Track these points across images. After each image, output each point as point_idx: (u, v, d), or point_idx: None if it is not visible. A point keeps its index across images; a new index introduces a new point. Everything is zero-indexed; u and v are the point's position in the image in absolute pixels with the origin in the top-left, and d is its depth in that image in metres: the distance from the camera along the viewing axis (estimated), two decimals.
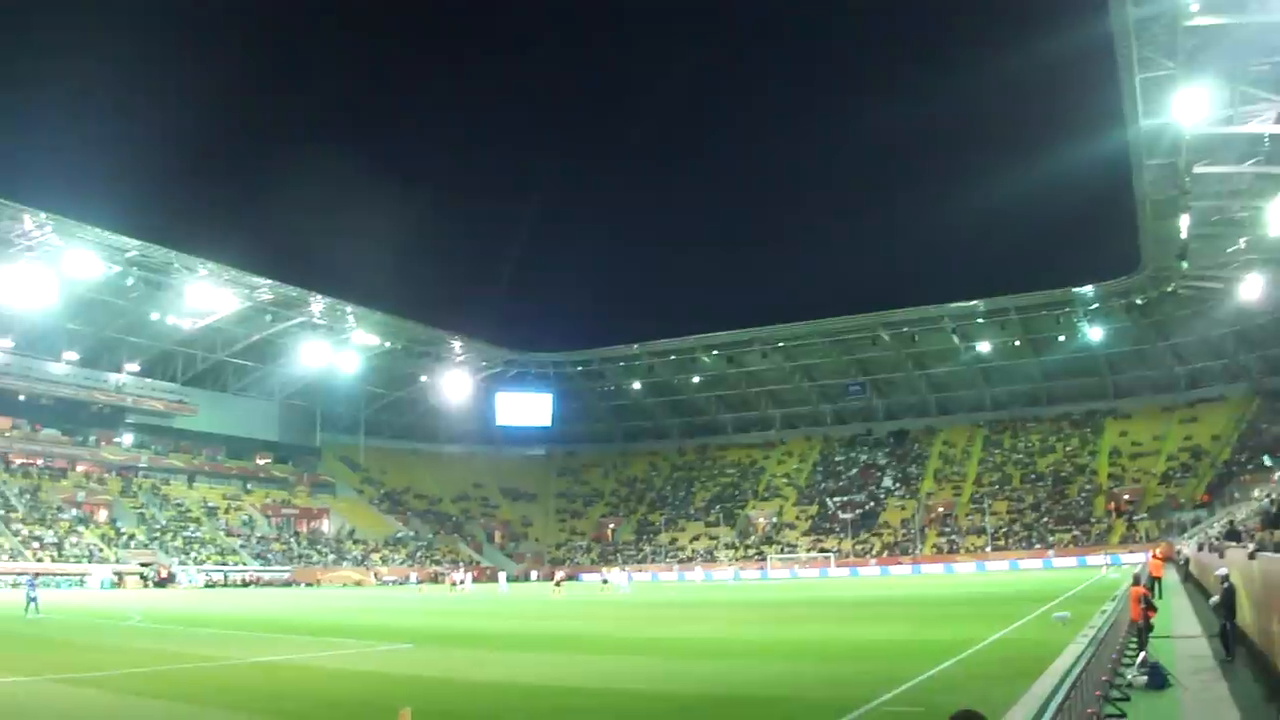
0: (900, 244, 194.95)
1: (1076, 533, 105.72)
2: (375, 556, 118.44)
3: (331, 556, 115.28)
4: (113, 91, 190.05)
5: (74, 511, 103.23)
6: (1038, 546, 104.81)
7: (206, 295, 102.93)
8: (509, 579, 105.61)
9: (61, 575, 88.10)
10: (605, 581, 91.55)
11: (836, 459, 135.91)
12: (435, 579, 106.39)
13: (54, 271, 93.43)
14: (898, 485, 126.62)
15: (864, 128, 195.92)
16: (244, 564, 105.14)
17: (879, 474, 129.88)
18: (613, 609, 53.92)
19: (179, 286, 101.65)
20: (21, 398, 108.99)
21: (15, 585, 78.55)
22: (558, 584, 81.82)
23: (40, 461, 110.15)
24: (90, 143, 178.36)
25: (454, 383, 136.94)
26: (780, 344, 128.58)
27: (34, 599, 45.17)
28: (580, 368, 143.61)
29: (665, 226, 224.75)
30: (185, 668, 25.18)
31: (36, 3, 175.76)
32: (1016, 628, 31.57)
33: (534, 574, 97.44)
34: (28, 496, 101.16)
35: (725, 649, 29.02)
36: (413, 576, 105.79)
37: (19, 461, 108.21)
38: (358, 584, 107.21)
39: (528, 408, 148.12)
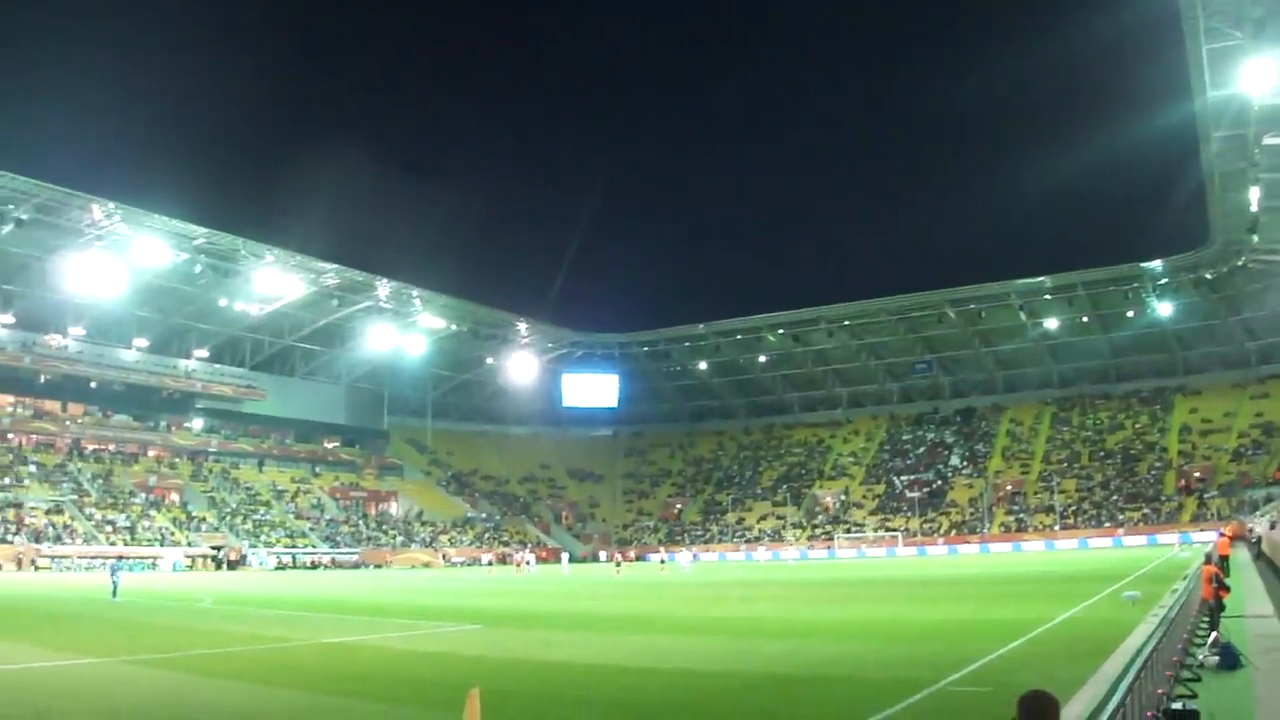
0: (966, 220, 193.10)
1: (1146, 511, 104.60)
2: (443, 538, 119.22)
3: (400, 538, 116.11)
4: (178, 82, 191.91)
5: (146, 496, 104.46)
6: (1107, 525, 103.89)
7: (273, 281, 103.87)
8: (572, 560, 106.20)
9: (134, 558, 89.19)
10: (664, 561, 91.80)
11: (903, 437, 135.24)
12: (503, 560, 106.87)
13: (123, 260, 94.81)
14: (965, 464, 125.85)
15: (929, 103, 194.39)
16: (313, 546, 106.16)
17: (946, 452, 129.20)
18: (677, 589, 53.98)
19: (246, 273, 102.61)
20: (93, 385, 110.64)
21: (89, 569, 79.84)
22: (618, 564, 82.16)
23: (112, 447, 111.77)
24: (156, 132, 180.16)
25: (520, 364, 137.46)
26: (846, 322, 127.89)
27: (116, 583, 45.79)
28: (646, 348, 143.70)
29: (730, 205, 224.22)
30: (256, 649, 25.47)
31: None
32: (1086, 607, 31.29)
33: (602, 554, 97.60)
34: (101, 481, 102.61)
35: (791, 629, 28.94)
36: (485, 558, 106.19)
37: (92, 447, 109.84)
38: (426, 565, 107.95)
39: (594, 389, 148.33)
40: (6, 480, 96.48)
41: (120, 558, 72.20)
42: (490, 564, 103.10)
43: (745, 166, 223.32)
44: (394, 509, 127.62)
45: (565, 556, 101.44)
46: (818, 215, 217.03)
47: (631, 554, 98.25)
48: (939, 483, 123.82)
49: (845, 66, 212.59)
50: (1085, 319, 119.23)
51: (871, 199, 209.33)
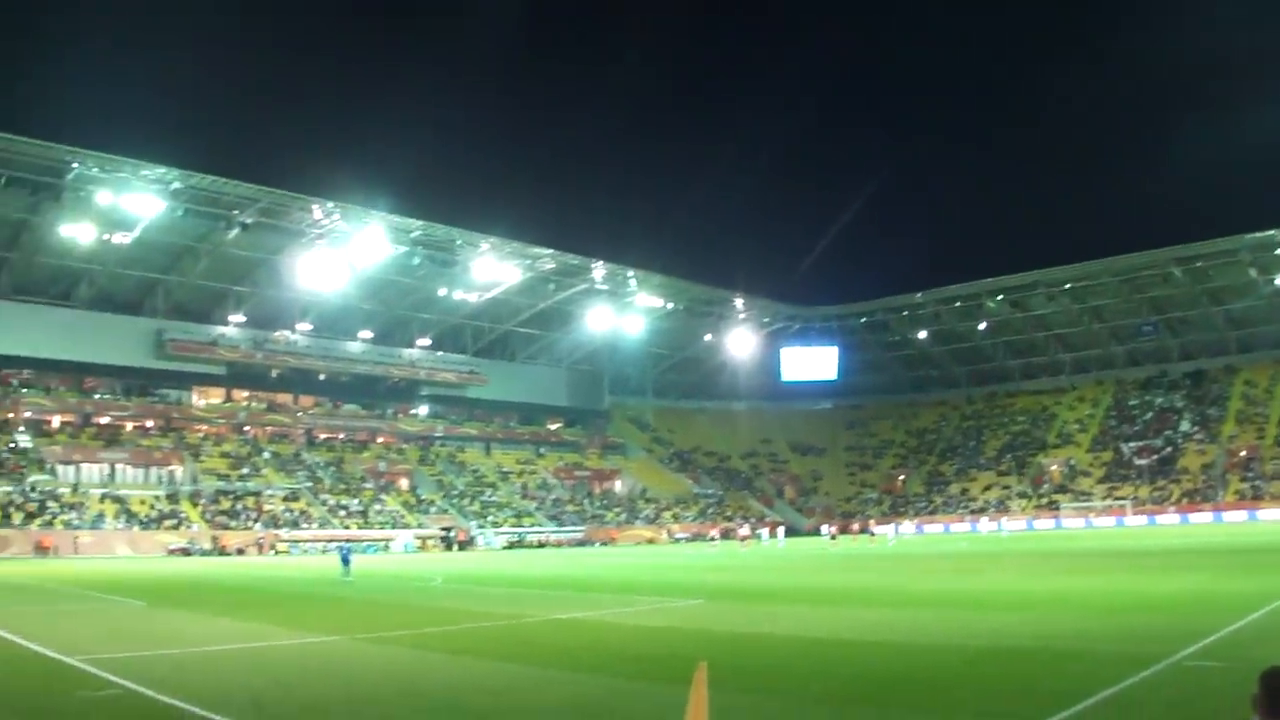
0: (1190, 173, 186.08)
1: None
2: (667, 514, 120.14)
3: (624, 516, 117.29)
4: (389, 83, 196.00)
5: (376, 481, 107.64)
6: None
7: (490, 269, 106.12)
8: (796, 534, 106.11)
9: (367, 541, 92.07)
10: (872, 534, 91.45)
11: (1130, 403, 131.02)
12: (726, 535, 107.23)
13: (345, 256, 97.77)
14: (1196, 429, 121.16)
15: (1150, 53, 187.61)
16: (539, 525, 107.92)
17: (1176, 417, 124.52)
18: (897, 562, 53.48)
19: (463, 262, 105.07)
20: (322, 377, 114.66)
21: (325, 552, 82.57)
22: (833, 537, 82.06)
23: (342, 435, 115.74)
24: (370, 131, 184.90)
25: (738, 340, 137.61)
26: (1067, 285, 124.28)
27: (347, 564, 47.27)
28: (864, 319, 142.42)
29: (939, 171, 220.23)
30: (486, 625, 26.03)
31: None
32: None
33: (824, 528, 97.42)
34: (333, 468, 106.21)
35: (1017, 601, 28.43)
36: (714, 533, 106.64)
37: (323, 436, 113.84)
38: (650, 541, 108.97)
39: (813, 362, 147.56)
40: (245, 470, 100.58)
41: (349, 541, 74.75)
42: (714, 539, 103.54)
43: (957, 127, 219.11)
44: (618, 487, 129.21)
45: (781, 530, 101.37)
46: (1034, 176, 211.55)
47: (856, 526, 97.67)
48: (1169, 449, 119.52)
49: (1065, 24, 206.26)
50: None
51: (1091, 157, 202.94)
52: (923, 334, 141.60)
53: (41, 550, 77.09)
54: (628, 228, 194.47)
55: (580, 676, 17.12)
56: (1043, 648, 18.63)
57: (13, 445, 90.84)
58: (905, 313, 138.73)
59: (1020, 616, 24.01)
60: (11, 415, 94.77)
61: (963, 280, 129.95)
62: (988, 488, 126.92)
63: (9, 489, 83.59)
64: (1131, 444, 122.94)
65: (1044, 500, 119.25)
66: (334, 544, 71.86)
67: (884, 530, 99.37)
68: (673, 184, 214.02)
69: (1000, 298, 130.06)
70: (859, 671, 16.84)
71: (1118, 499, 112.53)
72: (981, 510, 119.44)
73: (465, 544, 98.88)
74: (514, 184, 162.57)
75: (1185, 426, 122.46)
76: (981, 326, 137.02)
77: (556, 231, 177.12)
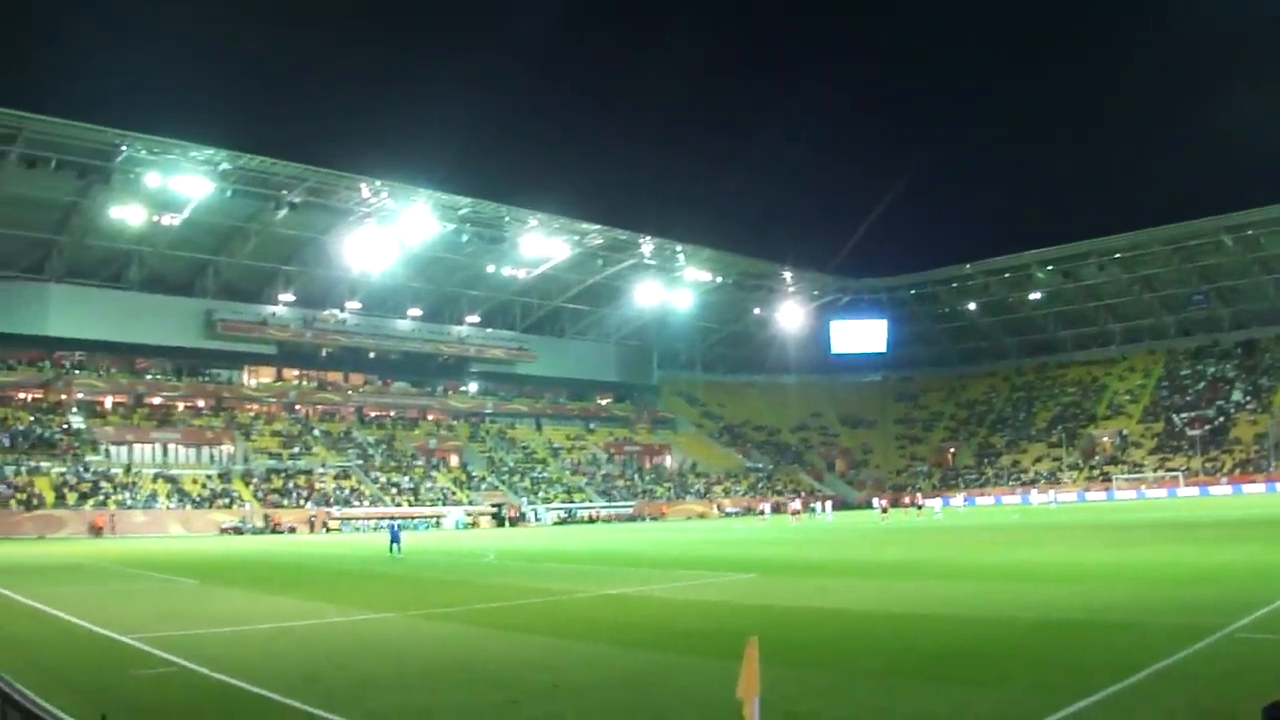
0: (1240, 140, 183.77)
1: None
2: (717, 489, 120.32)
3: (674, 491, 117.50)
4: (436, 61, 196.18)
5: (427, 458, 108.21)
6: None
7: (538, 245, 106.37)
8: (847, 507, 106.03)
9: (418, 518, 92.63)
10: (919, 507, 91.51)
11: (1182, 373, 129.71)
12: (777, 509, 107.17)
13: (393, 234, 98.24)
14: (1249, 399, 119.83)
15: (1201, 17, 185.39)
16: (590, 501, 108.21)
17: (1228, 387, 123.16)
18: (947, 535, 53.38)
19: (512, 239, 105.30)
20: (372, 355, 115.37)
21: (376, 529, 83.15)
22: (884, 510, 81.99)
23: (393, 413, 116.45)
24: (416, 110, 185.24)
25: (787, 313, 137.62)
26: (1117, 255, 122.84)
27: (397, 541, 47.50)
28: (913, 291, 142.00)
29: (988, 141, 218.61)
30: (539, 601, 26.15)
31: None
32: None
33: (875, 502, 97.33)
34: (384, 446, 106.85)
35: (1069, 573, 28.27)
36: (765, 507, 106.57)
37: (373, 414, 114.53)
38: (701, 516, 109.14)
39: (862, 334, 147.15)
40: (297, 449, 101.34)
41: (395, 518, 75.53)
42: (762, 513, 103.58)
43: (1006, 97, 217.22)
44: (668, 462, 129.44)
45: (829, 504, 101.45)
46: (1082, 144, 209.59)
47: (906, 500, 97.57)
48: (1221, 419, 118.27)
49: None
50: None
51: (1139, 124, 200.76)
52: (972, 305, 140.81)
53: (95, 530, 78.00)
54: (676, 202, 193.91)
55: (632, 652, 17.16)
56: (1095, 620, 18.53)
57: (66, 426, 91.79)
58: (954, 284, 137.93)
59: (1072, 589, 23.88)
60: (64, 397, 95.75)
61: (1012, 251, 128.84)
62: (1038, 459, 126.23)
63: (63, 470, 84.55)
64: (1183, 415, 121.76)
65: (1095, 472, 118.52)
66: (385, 522, 72.38)
67: (931, 503, 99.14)
68: (721, 158, 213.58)
69: (1050, 268, 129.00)
70: (910, 645, 16.79)
71: (1169, 470, 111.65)
72: (1032, 482, 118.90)
73: (517, 520, 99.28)
74: (562, 160, 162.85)
75: (1237, 396, 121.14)
76: (1033, 297, 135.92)
77: (604, 207, 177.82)
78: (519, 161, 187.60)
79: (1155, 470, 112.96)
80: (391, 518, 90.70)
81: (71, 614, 24.13)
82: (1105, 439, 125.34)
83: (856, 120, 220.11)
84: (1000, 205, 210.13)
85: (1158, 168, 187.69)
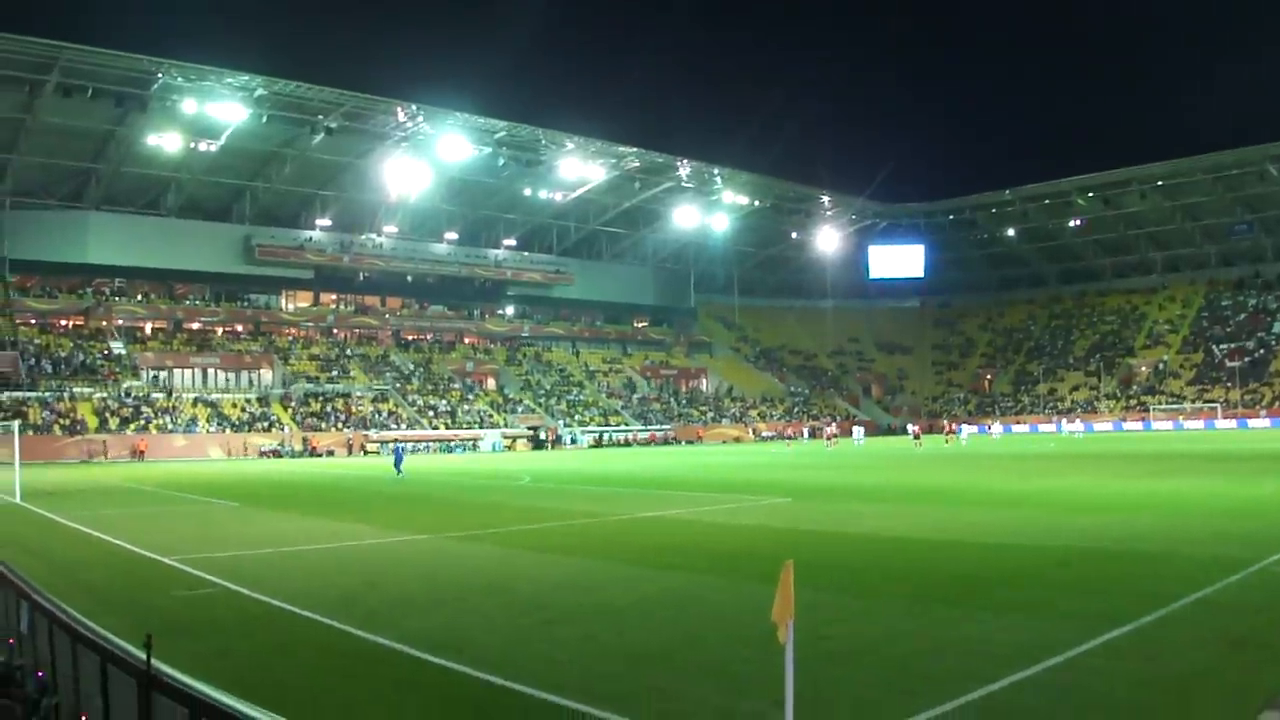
0: None
1: None
2: (753, 413, 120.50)
3: (710, 414, 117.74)
4: None
5: (464, 381, 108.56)
6: None
7: (575, 168, 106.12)
8: (870, 434, 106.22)
9: (455, 441, 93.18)
10: (955, 433, 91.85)
11: (1222, 303, 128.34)
12: (814, 434, 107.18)
13: (429, 158, 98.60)
14: None
15: None
16: (625, 424, 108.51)
17: (1269, 319, 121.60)
18: (982, 462, 53.41)
19: (548, 162, 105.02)
20: (409, 278, 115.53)
21: (413, 451, 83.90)
22: (917, 436, 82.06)
23: (430, 336, 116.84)
24: (451, 33, 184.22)
25: (824, 238, 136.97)
26: (1159, 183, 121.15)
27: (400, 462, 48.00)
28: (951, 217, 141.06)
29: (1034, 62, 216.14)
30: (574, 524, 26.34)
31: None
32: None
33: (910, 427, 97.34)
34: (421, 369, 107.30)
35: (1104, 503, 28.25)
36: (804, 430, 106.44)
37: (411, 337, 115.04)
38: (736, 440, 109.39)
39: (900, 260, 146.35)
40: (335, 373, 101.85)
41: (400, 441, 76.54)
42: (790, 439, 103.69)
43: (1047, 21, 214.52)
44: (704, 385, 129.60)
45: (859, 430, 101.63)
46: (1127, 70, 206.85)
47: (917, 427, 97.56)
48: (1261, 351, 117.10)
49: None
50: None
51: (1183, 50, 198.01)
52: (1011, 231, 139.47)
53: (137, 454, 78.81)
54: (713, 126, 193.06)
55: (666, 574, 17.29)
56: (1131, 550, 18.55)
57: (107, 352, 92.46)
58: (993, 210, 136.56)
59: (1109, 518, 23.86)
60: (105, 323, 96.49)
61: (1052, 178, 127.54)
62: (1075, 388, 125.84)
63: (104, 395, 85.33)
64: (1223, 346, 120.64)
65: (1133, 402, 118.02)
66: (392, 444, 72.77)
67: (968, 429, 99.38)
68: (759, 80, 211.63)
69: (1091, 195, 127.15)
70: (941, 571, 16.85)
71: (1208, 401, 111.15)
72: (1069, 411, 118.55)
73: (553, 443, 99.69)
74: (598, 84, 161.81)
75: (1279, 329, 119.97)
76: (1073, 224, 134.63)
77: (641, 130, 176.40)
78: (555, 85, 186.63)
79: (1193, 401, 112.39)
80: (430, 440, 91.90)
81: (114, 536, 24.48)
82: (1143, 368, 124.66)
83: (896, 43, 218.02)
84: (1040, 131, 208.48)
85: (1202, 95, 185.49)
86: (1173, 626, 12.08)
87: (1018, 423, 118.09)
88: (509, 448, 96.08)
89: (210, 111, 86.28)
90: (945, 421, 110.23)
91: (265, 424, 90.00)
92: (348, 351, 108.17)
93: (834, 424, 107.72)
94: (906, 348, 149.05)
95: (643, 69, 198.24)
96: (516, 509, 30.95)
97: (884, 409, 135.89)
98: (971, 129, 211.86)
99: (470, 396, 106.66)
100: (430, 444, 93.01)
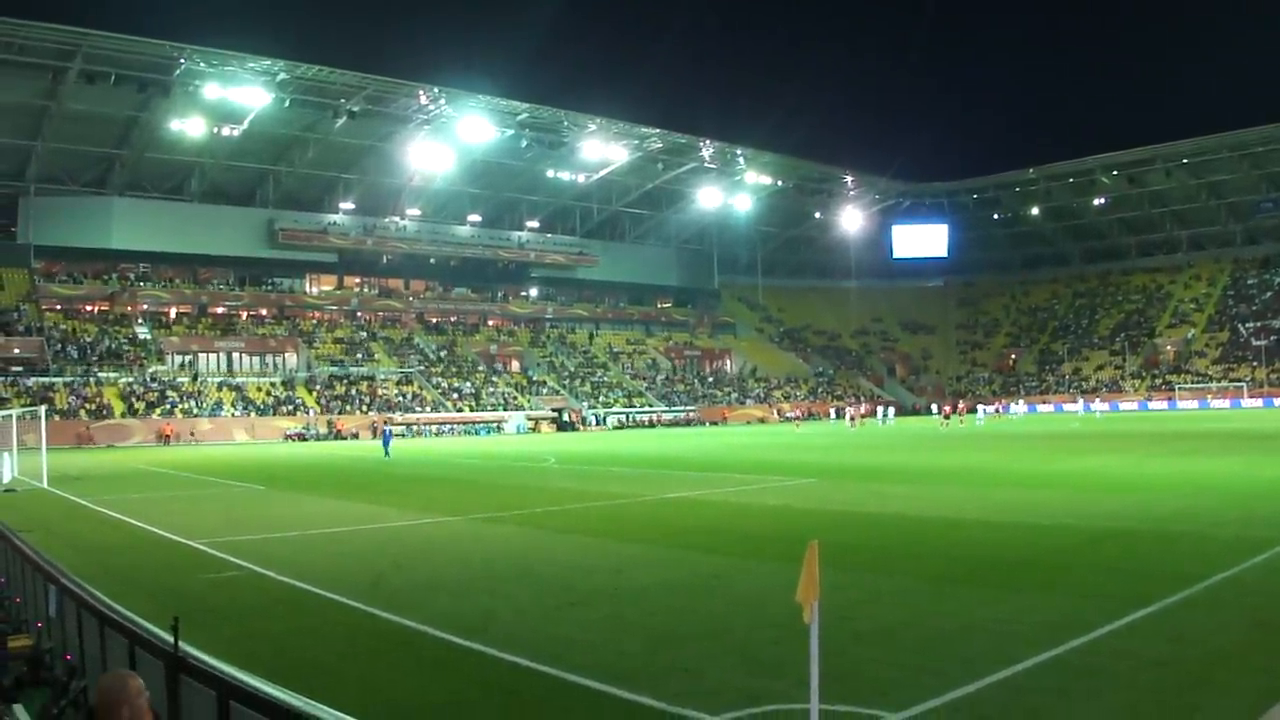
0: None
1: None
2: (777, 393, 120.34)
3: (735, 395, 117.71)
4: None
5: (487, 363, 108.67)
6: None
7: (597, 149, 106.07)
8: (897, 414, 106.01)
9: (480, 423, 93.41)
10: (995, 411, 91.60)
11: (1249, 282, 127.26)
12: (840, 414, 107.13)
13: (451, 141, 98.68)
14: None
15: None
16: (650, 405, 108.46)
17: None
18: (1008, 442, 53.23)
19: (571, 143, 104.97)
20: (432, 261, 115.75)
21: (438, 434, 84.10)
22: (946, 418, 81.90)
23: (454, 319, 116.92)
24: (473, 15, 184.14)
25: (848, 218, 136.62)
26: (1184, 161, 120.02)
27: (388, 444, 48.28)
28: (975, 196, 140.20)
29: (1058, 41, 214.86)
30: (599, 505, 26.47)
31: None
32: None
33: (935, 407, 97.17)
34: (445, 352, 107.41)
35: (1130, 483, 28.16)
36: (848, 411, 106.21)
37: (435, 320, 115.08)
38: (761, 421, 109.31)
39: (924, 239, 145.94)
40: (359, 355, 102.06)
41: (388, 421, 77.80)
42: (798, 419, 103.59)
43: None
44: (728, 366, 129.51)
45: (890, 410, 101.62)
46: (1149, 45, 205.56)
47: (948, 407, 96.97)
48: None
49: None
50: None
51: (1208, 25, 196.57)
52: (1035, 210, 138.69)
53: (163, 438, 79.14)
54: (736, 107, 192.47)
55: (692, 555, 17.34)
56: (1158, 530, 18.52)
57: (132, 337, 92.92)
58: (1017, 188, 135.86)
59: (1136, 498, 23.81)
60: (130, 308, 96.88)
61: (1076, 156, 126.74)
62: (1100, 367, 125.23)
63: (130, 379, 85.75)
64: (1249, 324, 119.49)
65: (1158, 381, 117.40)
66: (385, 426, 72.77)
67: (987, 410, 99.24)
68: (782, 61, 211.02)
69: (1115, 173, 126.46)
70: (967, 551, 16.85)
71: (1234, 380, 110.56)
72: (1094, 390, 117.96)
73: (577, 424, 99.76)
74: (621, 65, 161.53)
75: None
76: (1097, 202, 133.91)
77: (664, 112, 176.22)
78: (577, 67, 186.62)
79: (1219, 380, 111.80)
80: (456, 423, 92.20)
81: (141, 520, 24.64)
82: (1169, 347, 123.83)
83: (921, 22, 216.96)
84: (1064, 109, 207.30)
85: (1227, 72, 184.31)
86: (1198, 608, 12.06)
87: (1043, 402, 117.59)
88: (533, 429, 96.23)
89: (233, 96, 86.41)
90: (976, 403, 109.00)
91: (290, 407, 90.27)
92: (372, 334, 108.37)
93: (861, 404, 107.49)
94: (930, 327, 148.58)
95: (665, 50, 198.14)
96: (542, 491, 31.04)
97: (908, 389, 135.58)
98: (995, 108, 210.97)
99: (494, 379, 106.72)
100: (455, 426, 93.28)
